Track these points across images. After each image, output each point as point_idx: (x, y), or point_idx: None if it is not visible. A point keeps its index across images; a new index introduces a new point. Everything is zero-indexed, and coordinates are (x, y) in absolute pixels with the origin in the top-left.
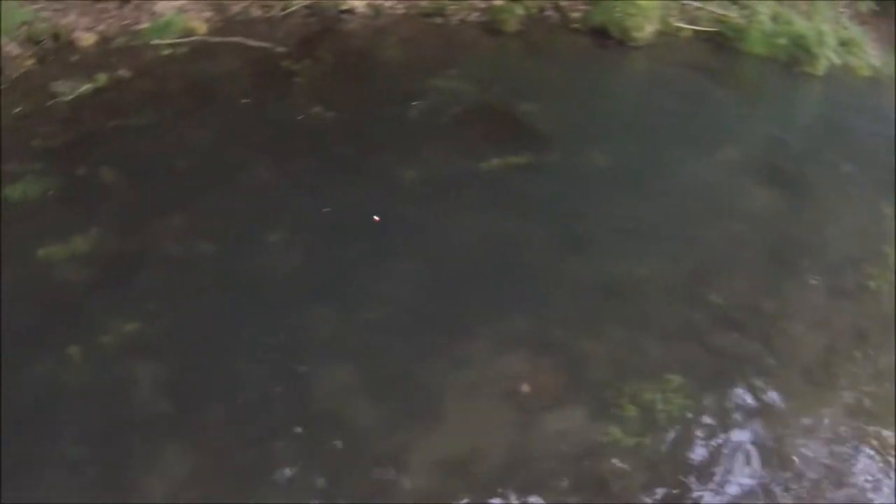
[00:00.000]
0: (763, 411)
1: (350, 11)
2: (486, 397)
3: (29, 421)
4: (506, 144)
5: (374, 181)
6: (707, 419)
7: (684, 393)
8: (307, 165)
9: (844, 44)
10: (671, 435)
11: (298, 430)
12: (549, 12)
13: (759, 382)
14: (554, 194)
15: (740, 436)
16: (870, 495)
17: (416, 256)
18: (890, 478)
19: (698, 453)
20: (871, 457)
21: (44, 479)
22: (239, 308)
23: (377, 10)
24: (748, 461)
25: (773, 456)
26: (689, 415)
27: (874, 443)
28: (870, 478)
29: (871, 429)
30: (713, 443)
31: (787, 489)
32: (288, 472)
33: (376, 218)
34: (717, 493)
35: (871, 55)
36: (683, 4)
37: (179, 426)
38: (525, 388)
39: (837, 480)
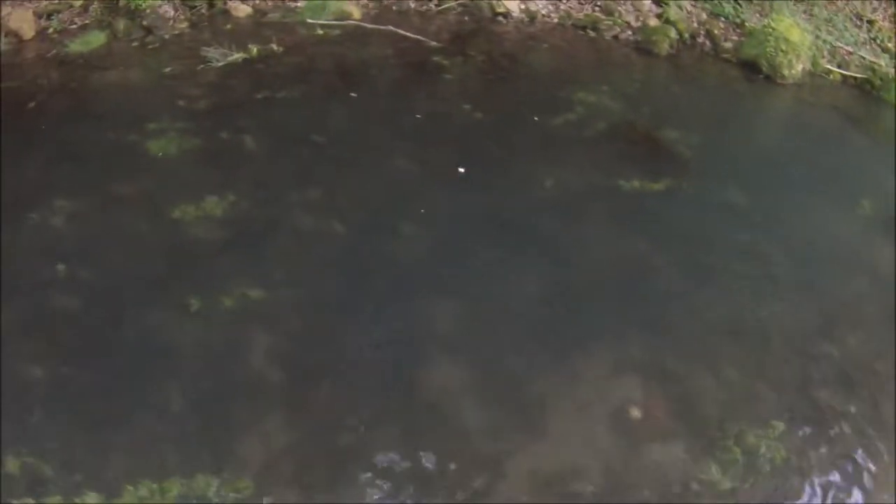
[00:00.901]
0: (860, 474)
1: (505, 15)
2: (593, 417)
3: (139, 366)
4: (646, 167)
5: (513, 185)
6: (805, 474)
7: (787, 442)
8: (448, 160)
9: None
10: (769, 484)
11: (401, 419)
12: (701, 39)
13: (860, 445)
14: (687, 223)
15: (834, 497)
16: None
17: (544, 265)
18: None
19: None
20: None
21: (142, 427)
22: (362, 291)
23: (532, 17)
24: None
25: None
26: (789, 466)
27: None
28: None
29: None
30: (808, 499)
31: None
32: (384, 460)
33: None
34: None
35: None
36: (835, 47)
37: (285, 397)
38: (635, 413)
39: None
